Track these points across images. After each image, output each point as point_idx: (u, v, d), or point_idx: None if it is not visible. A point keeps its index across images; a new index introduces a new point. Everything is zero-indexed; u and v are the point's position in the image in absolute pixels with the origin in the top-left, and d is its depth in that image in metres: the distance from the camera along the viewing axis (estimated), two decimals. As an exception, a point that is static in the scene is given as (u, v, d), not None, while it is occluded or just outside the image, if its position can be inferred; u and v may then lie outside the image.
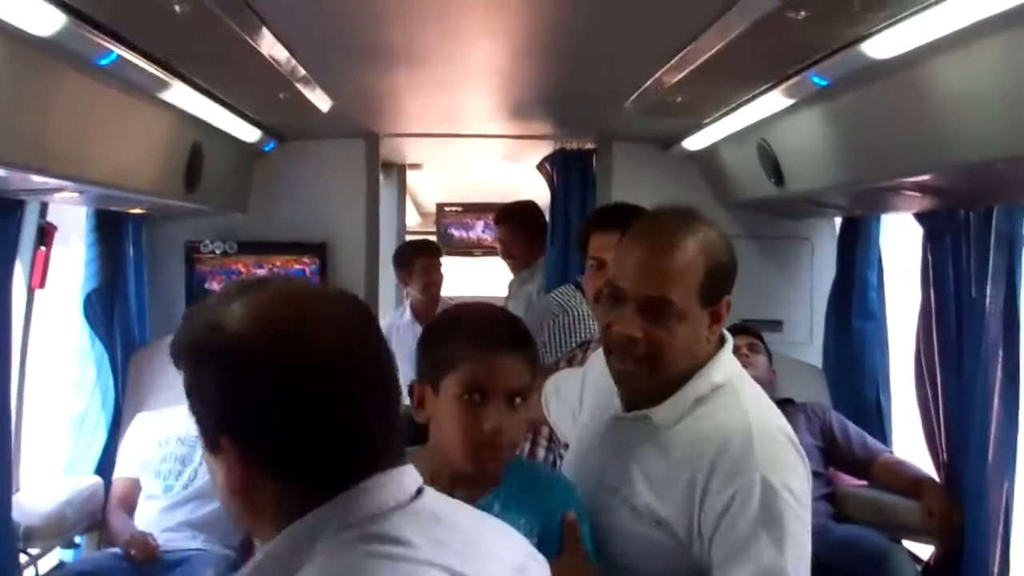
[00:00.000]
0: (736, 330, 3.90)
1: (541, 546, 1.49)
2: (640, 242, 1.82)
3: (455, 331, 1.76)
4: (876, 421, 4.11)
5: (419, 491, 1.18)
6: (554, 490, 1.85)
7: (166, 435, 3.79)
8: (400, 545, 1.11)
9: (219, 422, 1.15)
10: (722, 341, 1.88)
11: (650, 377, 1.81)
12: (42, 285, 3.59)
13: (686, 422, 1.78)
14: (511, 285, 5.12)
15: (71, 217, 3.99)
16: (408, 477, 1.18)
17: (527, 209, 5.06)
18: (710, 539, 1.69)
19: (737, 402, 1.79)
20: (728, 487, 1.68)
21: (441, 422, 1.72)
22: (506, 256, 5.08)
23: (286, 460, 1.12)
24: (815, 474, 3.71)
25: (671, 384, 1.81)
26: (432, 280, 4.99)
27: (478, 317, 1.79)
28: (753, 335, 4.08)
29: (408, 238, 6.59)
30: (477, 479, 1.74)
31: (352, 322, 1.17)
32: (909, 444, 4.00)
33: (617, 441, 1.90)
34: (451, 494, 1.30)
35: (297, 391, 1.11)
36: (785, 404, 3.91)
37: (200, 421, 1.19)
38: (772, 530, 1.65)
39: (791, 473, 1.70)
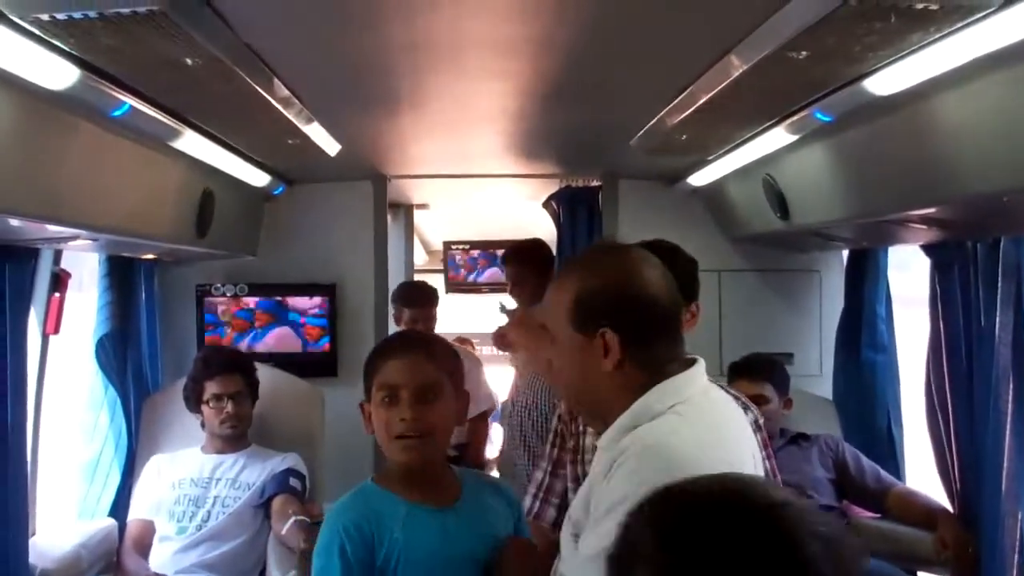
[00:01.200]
0: (738, 372, 3.88)
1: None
2: None
3: (375, 352, 2.08)
4: (888, 452, 4.10)
5: None
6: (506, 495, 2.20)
7: (179, 477, 3.79)
8: None
9: None
10: (690, 364, 1.88)
11: (570, 401, 2.03)
12: (56, 331, 3.61)
13: (621, 443, 1.77)
14: (524, 323, 5.15)
15: (84, 263, 4.02)
16: None
17: (534, 248, 5.09)
18: None
19: (657, 425, 1.75)
20: (603, 500, 1.69)
21: (375, 430, 2.03)
22: (514, 294, 5.10)
23: None
24: (828, 507, 3.75)
25: (606, 413, 1.85)
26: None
27: (390, 337, 2.23)
28: (756, 379, 3.84)
29: (416, 276, 6.62)
30: (411, 473, 2.04)
31: None
32: (922, 475, 4.00)
33: (591, 471, 1.95)
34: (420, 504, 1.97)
35: None
36: (798, 438, 3.90)
37: None
38: (590, 543, 1.65)
39: None
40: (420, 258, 8.20)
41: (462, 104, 3.15)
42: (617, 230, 4.70)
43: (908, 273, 4.34)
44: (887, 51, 2.12)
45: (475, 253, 7.97)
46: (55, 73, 2.11)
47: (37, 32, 1.91)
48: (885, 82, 2.31)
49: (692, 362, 1.87)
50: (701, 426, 1.79)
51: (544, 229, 5.37)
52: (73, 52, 2.07)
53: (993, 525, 3.22)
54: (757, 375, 3.87)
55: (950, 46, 2.01)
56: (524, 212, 6.20)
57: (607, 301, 1.81)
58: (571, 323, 1.83)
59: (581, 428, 2.66)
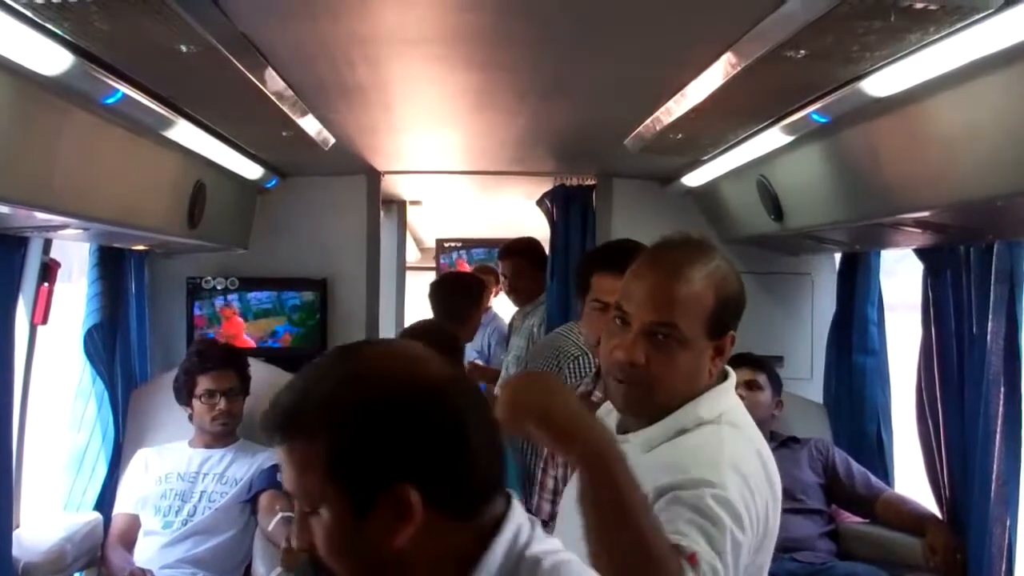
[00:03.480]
0: (737, 362, 3.89)
1: None
2: (651, 268, 1.84)
3: None
4: (877, 457, 4.10)
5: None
6: None
7: (166, 471, 3.78)
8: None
9: (394, 474, 1.16)
10: (724, 376, 1.88)
11: (647, 401, 1.82)
12: (44, 321, 3.59)
13: (661, 448, 1.77)
14: (514, 318, 5.15)
15: (74, 253, 4.00)
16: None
17: (530, 245, 5.10)
18: None
19: (717, 438, 1.75)
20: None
21: None
22: (510, 291, 5.11)
23: (460, 497, 1.19)
24: (817, 511, 3.75)
25: (661, 411, 1.81)
26: None
27: None
28: (755, 368, 4.00)
29: (408, 274, 6.61)
30: None
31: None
32: (911, 480, 4.00)
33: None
34: None
35: (468, 425, 1.20)
36: (788, 441, 3.90)
37: (348, 482, 1.17)
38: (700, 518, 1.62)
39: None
40: (413, 255, 8.19)
41: (457, 100, 3.14)
42: (611, 230, 4.70)
43: (894, 279, 4.35)
44: (885, 51, 2.11)
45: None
46: (48, 58, 2.09)
47: (31, 15, 1.89)
48: (882, 83, 2.30)
49: (724, 375, 1.88)
50: (753, 438, 1.81)
51: (539, 227, 5.36)
52: (67, 37, 2.05)
53: (981, 531, 3.22)
54: (752, 363, 3.96)
55: (948, 47, 2.00)
56: (518, 210, 6.19)
57: (738, 305, 1.83)
58: (707, 328, 1.79)
59: None
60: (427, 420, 1.17)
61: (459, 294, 4.73)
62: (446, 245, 8.01)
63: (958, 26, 1.90)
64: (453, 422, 1.19)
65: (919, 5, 1.80)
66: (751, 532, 1.67)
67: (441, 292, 4.78)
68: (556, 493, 2.86)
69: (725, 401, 1.84)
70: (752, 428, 1.85)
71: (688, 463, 1.68)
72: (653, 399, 1.81)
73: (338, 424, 1.17)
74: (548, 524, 2.87)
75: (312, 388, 1.21)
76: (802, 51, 2.13)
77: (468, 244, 7.92)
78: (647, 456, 1.77)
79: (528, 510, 1.30)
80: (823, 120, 2.74)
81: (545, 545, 1.25)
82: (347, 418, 1.17)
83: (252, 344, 4.64)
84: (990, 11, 1.81)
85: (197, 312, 4.66)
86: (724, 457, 1.69)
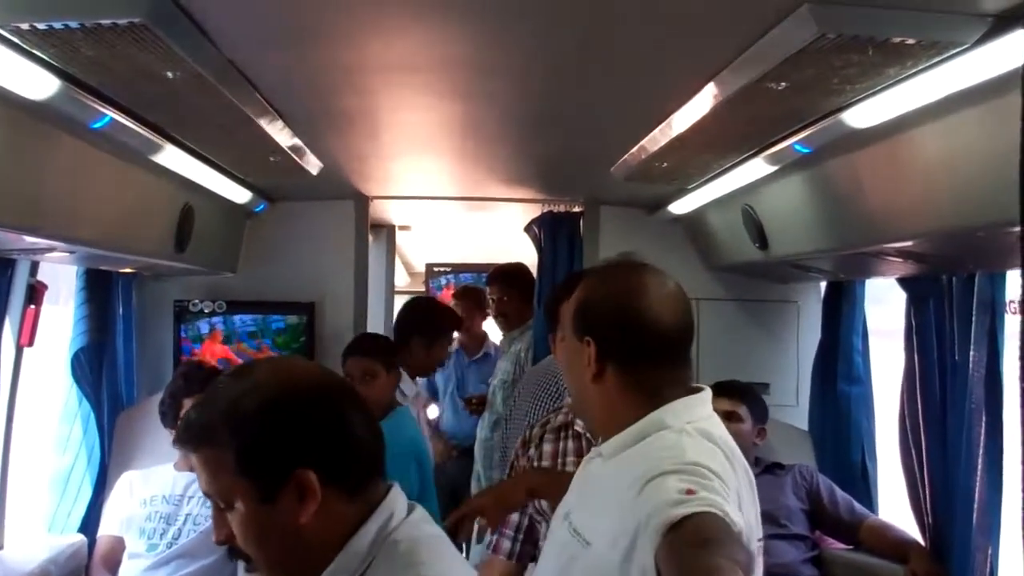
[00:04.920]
0: (717, 391, 3.88)
1: None
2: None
3: None
4: (862, 484, 4.10)
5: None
6: None
7: (151, 493, 3.77)
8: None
9: (293, 462, 1.41)
10: (695, 391, 1.88)
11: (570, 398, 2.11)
12: (31, 343, 3.59)
13: (628, 451, 1.80)
14: (502, 343, 5.15)
15: (62, 276, 4.00)
16: None
17: (519, 271, 5.12)
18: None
19: (678, 442, 1.74)
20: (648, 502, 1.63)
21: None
22: (499, 315, 5.12)
23: (349, 476, 1.45)
24: (801, 537, 3.75)
25: (582, 412, 2.12)
26: None
27: None
28: (736, 399, 3.94)
29: (397, 298, 6.61)
30: None
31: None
32: (895, 507, 4.00)
33: (583, 474, 1.99)
34: None
35: (349, 417, 1.46)
36: (772, 467, 3.91)
37: (255, 476, 1.41)
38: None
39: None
40: (402, 280, 8.20)
41: (443, 127, 3.15)
42: (598, 256, 4.72)
43: (888, 306, 4.36)
44: (864, 84, 2.14)
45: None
46: (35, 83, 2.11)
47: (17, 41, 1.91)
48: (863, 115, 2.33)
49: (698, 390, 1.89)
50: (723, 447, 1.80)
51: (527, 253, 5.38)
52: (54, 62, 2.07)
53: (964, 559, 3.23)
54: (733, 394, 3.92)
55: (926, 81, 2.04)
56: (508, 236, 6.21)
57: (598, 314, 1.88)
58: (572, 326, 1.92)
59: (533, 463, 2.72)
60: (313, 414, 1.43)
61: (410, 327, 4.36)
62: (435, 270, 8.03)
63: (935, 60, 1.94)
64: (336, 414, 1.45)
65: (896, 40, 1.84)
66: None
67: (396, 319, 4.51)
68: (519, 529, 2.87)
69: (696, 412, 1.84)
70: (724, 439, 1.83)
71: (649, 461, 1.68)
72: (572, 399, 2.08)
73: (239, 431, 1.41)
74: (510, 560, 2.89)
75: (214, 405, 1.45)
76: (783, 83, 2.16)
77: (457, 269, 7.94)
78: (611, 462, 1.82)
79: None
80: (805, 150, 2.77)
81: (413, 530, 1.48)
82: (245, 424, 1.41)
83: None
84: (965, 46, 1.85)
85: (184, 335, 4.66)
86: (687, 457, 1.68)
